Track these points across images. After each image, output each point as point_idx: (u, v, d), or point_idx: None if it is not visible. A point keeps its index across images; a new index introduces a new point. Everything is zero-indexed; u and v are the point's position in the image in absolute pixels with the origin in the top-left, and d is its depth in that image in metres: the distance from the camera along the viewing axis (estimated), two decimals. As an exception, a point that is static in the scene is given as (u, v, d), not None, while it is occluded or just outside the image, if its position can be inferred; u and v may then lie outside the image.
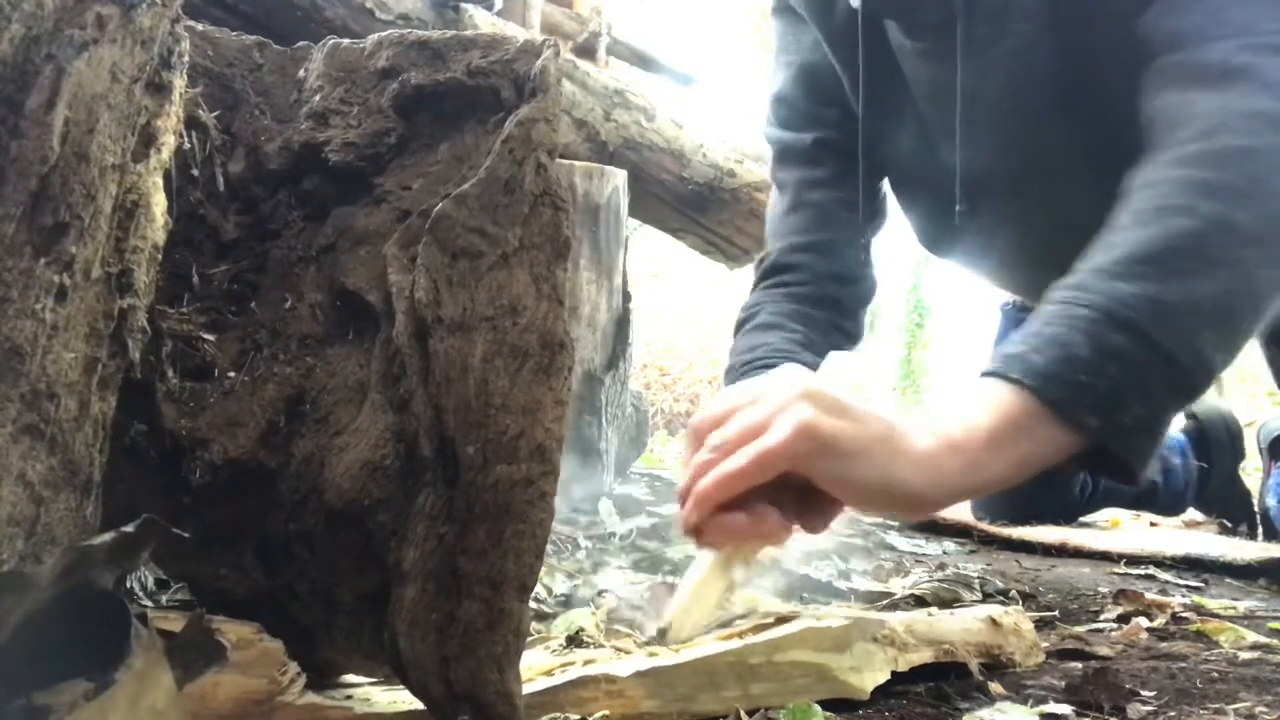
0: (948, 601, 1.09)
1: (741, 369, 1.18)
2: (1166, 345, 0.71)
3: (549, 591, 1.06)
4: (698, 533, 0.70)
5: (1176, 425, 1.98)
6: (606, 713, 0.67)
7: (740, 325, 1.29)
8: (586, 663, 0.72)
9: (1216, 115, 0.82)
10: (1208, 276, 0.74)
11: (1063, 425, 0.71)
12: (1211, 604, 1.20)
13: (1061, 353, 0.71)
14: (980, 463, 0.70)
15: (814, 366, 1.14)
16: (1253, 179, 0.78)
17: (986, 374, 0.73)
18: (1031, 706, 0.74)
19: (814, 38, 1.28)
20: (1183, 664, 0.90)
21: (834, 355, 0.88)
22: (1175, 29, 0.90)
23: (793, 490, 0.70)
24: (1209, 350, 0.73)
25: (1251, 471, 2.05)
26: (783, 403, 0.68)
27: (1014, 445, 0.71)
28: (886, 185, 1.37)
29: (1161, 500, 1.97)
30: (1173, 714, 0.74)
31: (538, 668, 0.71)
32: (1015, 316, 1.88)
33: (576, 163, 2.11)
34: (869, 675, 0.76)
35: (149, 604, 0.79)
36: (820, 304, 1.28)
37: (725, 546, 0.70)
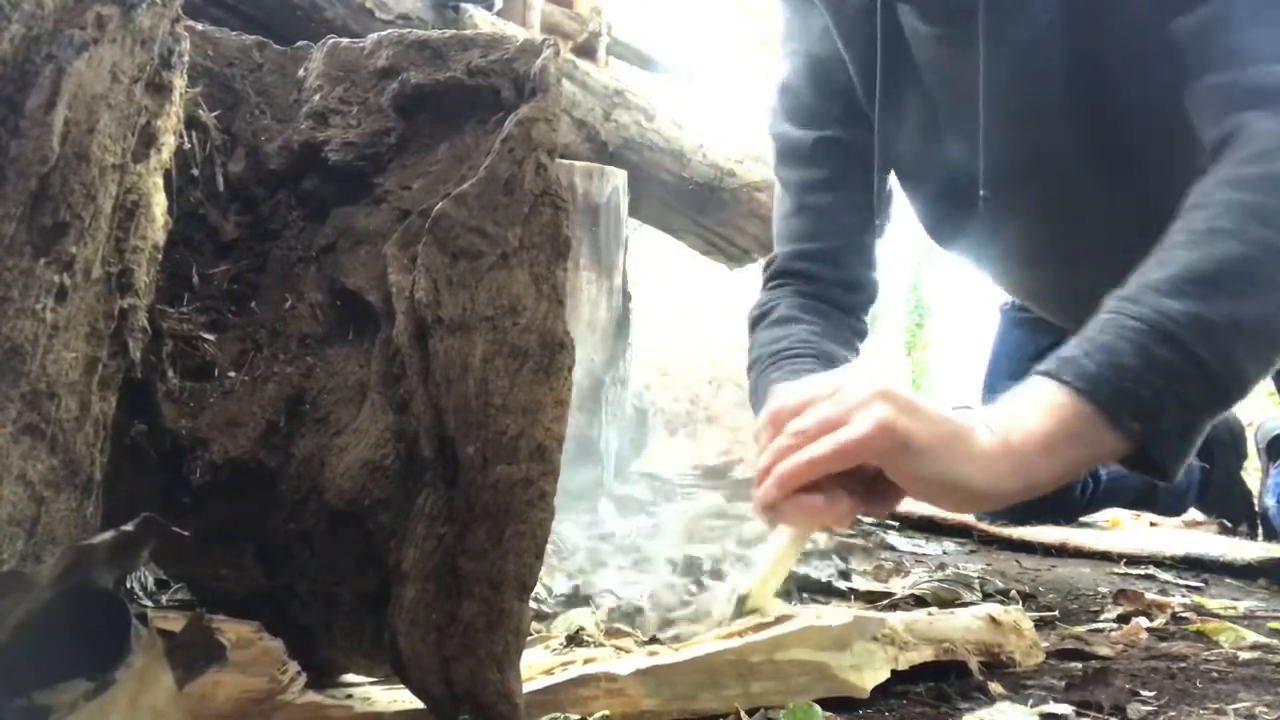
0: (948, 601, 1.09)
1: (771, 359, 1.21)
2: (1207, 359, 0.76)
3: (549, 591, 1.06)
4: (774, 511, 0.77)
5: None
6: (607, 712, 0.67)
7: (756, 321, 1.31)
8: (586, 662, 0.72)
9: (1273, 139, 0.85)
10: (1251, 298, 0.79)
11: (1109, 428, 0.76)
12: (1211, 604, 1.20)
13: (1110, 359, 0.76)
14: (1035, 464, 0.76)
15: (836, 357, 1.18)
16: None
17: (1041, 374, 0.79)
18: (1031, 706, 0.74)
19: (822, 25, 1.28)
20: (1183, 664, 0.90)
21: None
22: (1230, 47, 0.92)
23: (860, 478, 0.77)
24: (1246, 366, 0.78)
25: (1251, 471, 2.05)
26: (862, 400, 0.74)
27: (1066, 447, 0.76)
28: (892, 181, 1.37)
29: (1163, 501, 1.97)
30: (1173, 714, 0.74)
31: (538, 667, 0.71)
32: (1015, 316, 1.88)
33: (576, 163, 2.11)
34: (869, 674, 0.76)
35: (149, 604, 0.79)
36: (830, 304, 1.30)
37: (799, 525, 0.79)
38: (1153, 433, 0.76)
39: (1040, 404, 0.77)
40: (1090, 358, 0.77)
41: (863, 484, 0.77)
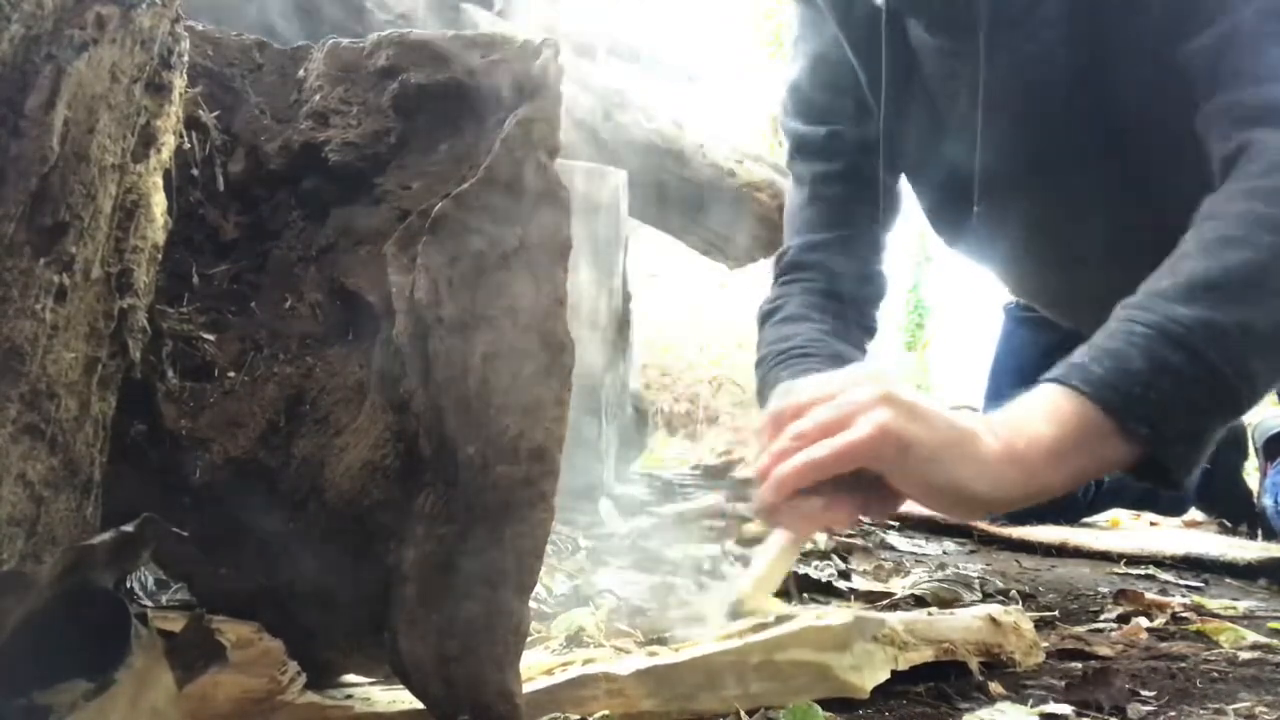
0: (948, 601, 1.09)
1: (777, 358, 1.22)
2: (1217, 364, 0.76)
3: (549, 591, 1.06)
4: (773, 513, 0.77)
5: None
6: (606, 712, 0.67)
7: (766, 317, 1.32)
8: (586, 662, 0.72)
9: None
10: (1261, 305, 0.79)
11: (1117, 434, 0.75)
12: (1211, 604, 1.20)
13: (1118, 365, 0.76)
14: (1041, 471, 0.76)
15: (845, 357, 1.19)
16: None
17: (1048, 380, 0.78)
18: (1031, 706, 0.74)
19: (833, 29, 1.29)
20: (1183, 664, 0.90)
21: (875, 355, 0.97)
22: (1239, 66, 0.93)
23: (861, 481, 0.76)
24: (1256, 372, 0.78)
25: (1251, 471, 2.05)
26: (863, 403, 0.74)
27: (1073, 454, 0.76)
28: (902, 180, 1.38)
29: (1164, 501, 1.97)
30: (1173, 714, 0.74)
31: (537, 667, 0.71)
32: (1019, 315, 1.88)
33: (576, 163, 2.11)
34: (869, 674, 0.76)
35: (149, 604, 0.79)
36: (840, 300, 1.31)
37: (797, 528, 0.80)
38: (1161, 438, 0.76)
39: (1047, 410, 0.77)
40: (1098, 363, 0.77)
41: (863, 487, 0.77)
